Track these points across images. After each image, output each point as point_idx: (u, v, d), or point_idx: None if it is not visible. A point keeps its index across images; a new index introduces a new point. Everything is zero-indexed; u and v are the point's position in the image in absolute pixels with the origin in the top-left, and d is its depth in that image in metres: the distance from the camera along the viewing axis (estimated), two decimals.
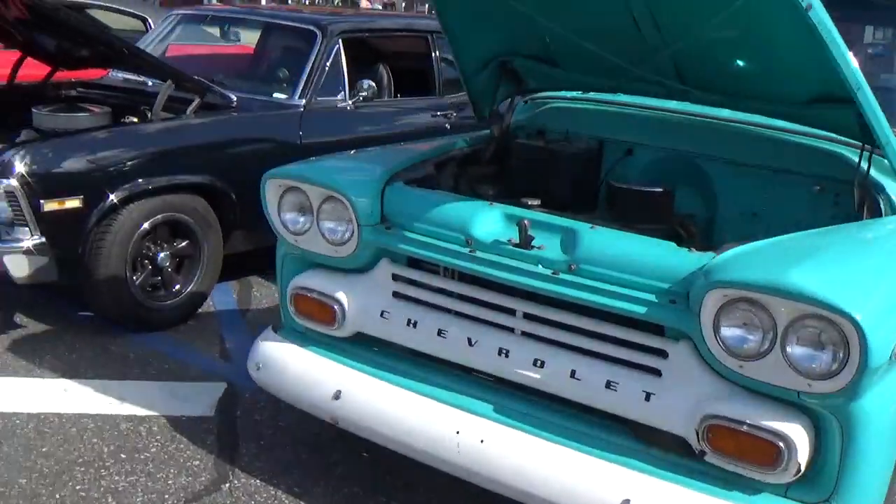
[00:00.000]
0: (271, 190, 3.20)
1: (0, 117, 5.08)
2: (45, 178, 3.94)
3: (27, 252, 3.93)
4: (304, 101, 5.00)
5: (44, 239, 3.95)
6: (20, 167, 3.87)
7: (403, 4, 21.17)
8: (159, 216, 4.35)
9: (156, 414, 3.65)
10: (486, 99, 3.77)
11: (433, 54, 5.84)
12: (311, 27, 5.23)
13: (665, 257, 2.56)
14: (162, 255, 4.42)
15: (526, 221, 2.71)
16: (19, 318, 4.56)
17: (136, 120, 4.73)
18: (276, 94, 5.07)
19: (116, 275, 4.21)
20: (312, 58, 5.11)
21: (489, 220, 2.83)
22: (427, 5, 20.51)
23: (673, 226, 3.28)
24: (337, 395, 2.96)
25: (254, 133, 4.81)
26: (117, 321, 4.39)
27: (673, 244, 2.61)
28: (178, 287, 4.53)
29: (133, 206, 4.22)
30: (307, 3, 23.02)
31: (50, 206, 3.95)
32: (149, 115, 4.62)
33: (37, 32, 5.01)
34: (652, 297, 2.50)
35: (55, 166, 4.00)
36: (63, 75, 5.61)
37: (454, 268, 2.84)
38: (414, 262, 3.01)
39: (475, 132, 3.88)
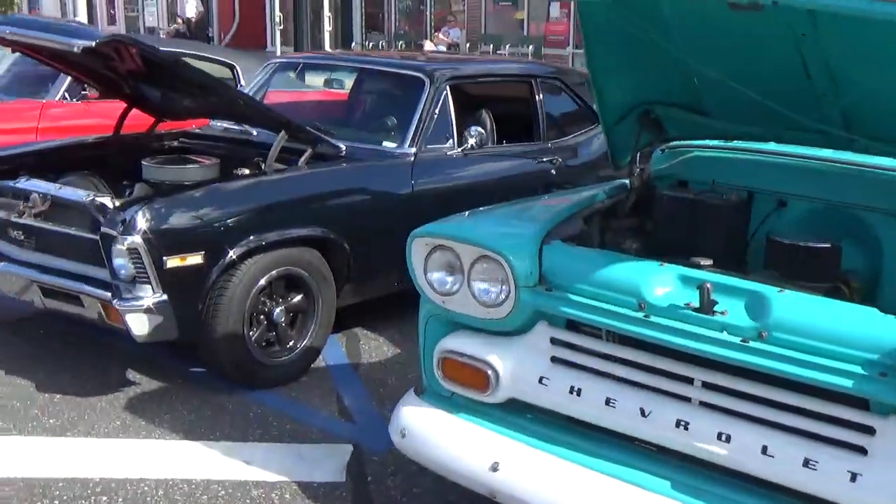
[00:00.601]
0: (418, 249, 3.06)
1: (106, 169, 5.08)
2: (167, 234, 3.87)
3: (148, 310, 3.84)
4: (414, 150, 4.90)
5: (166, 296, 3.86)
6: (143, 223, 3.79)
7: (468, 45, 21.16)
8: (276, 271, 4.24)
9: (286, 479, 3.50)
10: (625, 149, 3.62)
11: (537, 98, 5.71)
12: (419, 74, 5.14)
13: (870, 325, 2.36)
14: (277, 310, 4.31)
15: (708, 285, 2.53)
16: (131, 374, 4.47)
17: (248, 171, 4.65)
18: (385, 143, 4.97)
19: (234, 331, 4.11)
20: (421, 105, 5.01)
21: (663, 283, 2.66)
22: (490, 46, 20.53)
23: (836, 283, 3.09)
24: (495, 467, 2.79)
25: (367, 183, 4.70)
26: (233, 378, 4.28)
27: (876, 310, 2.41)
28: (292, 342, 4.42)
29: (251, 261, 4.12)
30: (371, 46, 23.21)
31: (172, 262, 3.87)
32: (262, 166, 4.54)
33: (145, 84, 4.97)
34: (858, 369, 2.29)
35: (177, 222, 3.93)
36: (163, 125, 5.59)
37: (627, 334, 2.65)
38: (573, 325, 2.85)
39: (609, 183, 3.73)
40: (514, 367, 2.88)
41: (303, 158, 4.61)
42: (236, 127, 5.43)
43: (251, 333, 4.20)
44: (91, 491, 3.37)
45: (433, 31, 22.34)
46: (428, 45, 21.09)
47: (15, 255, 4.35)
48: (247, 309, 4.14)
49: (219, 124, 5.64)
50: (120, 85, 5.16)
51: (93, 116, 6.95)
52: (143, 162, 4.81)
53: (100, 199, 4.15)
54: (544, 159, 5.60)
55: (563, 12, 20.52)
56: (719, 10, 2.71)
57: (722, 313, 2.52)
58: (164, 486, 3.42)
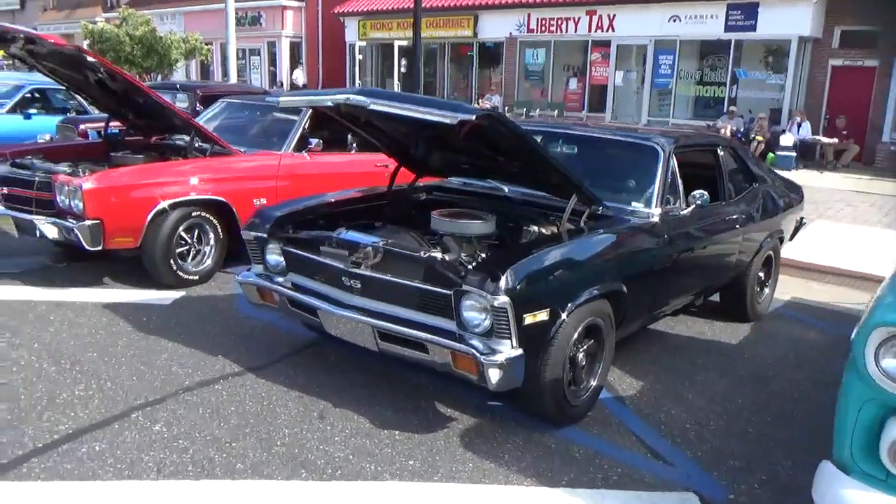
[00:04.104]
0: (875, 337, 2.22)
1: (383, 217, 4.24)
2: (527, 293, 3.01)
3: (506, 363, 2.98)
4: (659, 210, 4.06)
5: (521, 350, 3.01)
6: (510, 284, 2.94)
7: (506, 108, 20.29)
8: (586, 321, 3.40)
9: None
10: None
11: (721, 163, 4.91)
12: (654, 145, 4.31)
13: None
14: (580, 354, 3.46)
15: None
16: (441, 407, 3.61)
17: (536, 229, 3.81)
18: (634, 204, 4.11)
19: (557, 376, 3.28)
20: (660, 171, 4.18)
21: None
22: (523, 109, 19.65)
23: None
24: None
25: (641, 240, 3.85)
26: (548, 416, 3.43)
27: None
28: (585, 383, 3.57)
29: (574, 314, 3.28)
30: None
31: (528, 319, 3.02)
32: (558, 225, 3.70)
33: (431, 145, 4.11)
34: None
35: (534, 283, 3.07)
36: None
37: None
38: None
39: None
40: None
41: (583, 217, 3.76)
42: (478, 182, 4.57)
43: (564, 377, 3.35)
44: None
45: (477, 96, 21.48)
46: None
47: (347, 300, 3.48)
48: (566, 356, 3.30)
49: (456, 179, 4.77)
50: (398, 145, 4.29)
51: (313, 166, 6.10)
52: (434, 215, 3.94)
53: (436, 254, 3.30)
54: (734, 216, 4.79)
55: (579, 85, 19.76)
56: None
57: None
58: None
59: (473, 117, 2.89)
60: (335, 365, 4.05)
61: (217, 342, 4.30)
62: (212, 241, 5.53)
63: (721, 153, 4.97)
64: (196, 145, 5.88)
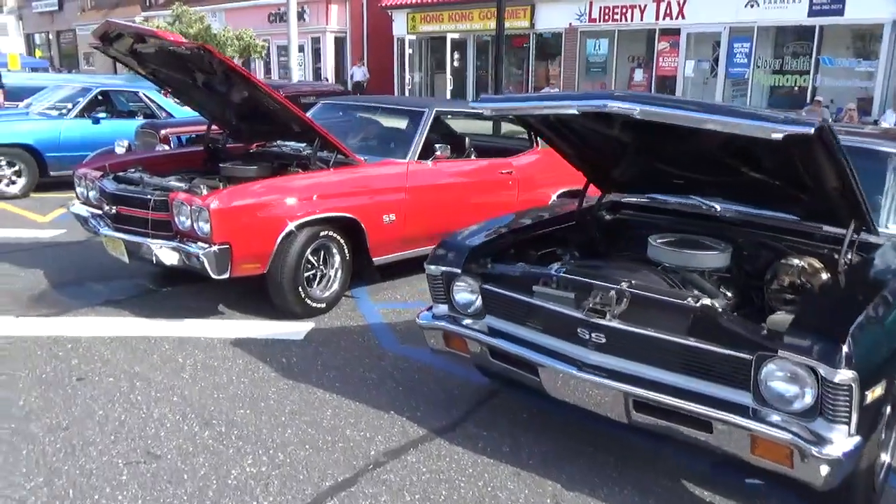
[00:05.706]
0: None
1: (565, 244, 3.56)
2: (869, 363, 2.28)
3: (842, 457, 2.25)
4: (893, 229, 3.31)
5: (860, 438, 2.28)
6: (853, 351, 2.21)
7: None
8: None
9: None
10: None
11: None
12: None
13: None
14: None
15: None
16: (695, 489, 2.89)
17: (797, 263, 3.04)
18: (891, 226, 3.35)
19: (872, 462, 2.55)
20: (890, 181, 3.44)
21: None
22: None
23: None
24: None
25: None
26: None
27: None
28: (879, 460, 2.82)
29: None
30: None
31: (870, 396, 2.29)
32: (821, 257, 2.98)
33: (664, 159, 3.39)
34: None
35: (875, 348, 2.35)
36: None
37: None
38: None
39: None
40: None
41: (853, 248, 3.00)
42: (671, 198, 3.83)
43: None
44: None
45: (534, 90, 20.64)
46: None
47: (584, 357, 2.77)
48: (881, 434, 2.58)
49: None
50: (593, 155, 3.58)
51: (440, 175, 5.42)
52: (653, 242, 3.24)
53: (708, 302, 2.58)
54: None
55: (645, 76, 18.85)
56: None
57: None
58: None
59: (811, 130, 2.16)
60: (531, 424, 3.36)
61: (380, 392, 3.65)
62: (337, 264, 4.90)
63: None
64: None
